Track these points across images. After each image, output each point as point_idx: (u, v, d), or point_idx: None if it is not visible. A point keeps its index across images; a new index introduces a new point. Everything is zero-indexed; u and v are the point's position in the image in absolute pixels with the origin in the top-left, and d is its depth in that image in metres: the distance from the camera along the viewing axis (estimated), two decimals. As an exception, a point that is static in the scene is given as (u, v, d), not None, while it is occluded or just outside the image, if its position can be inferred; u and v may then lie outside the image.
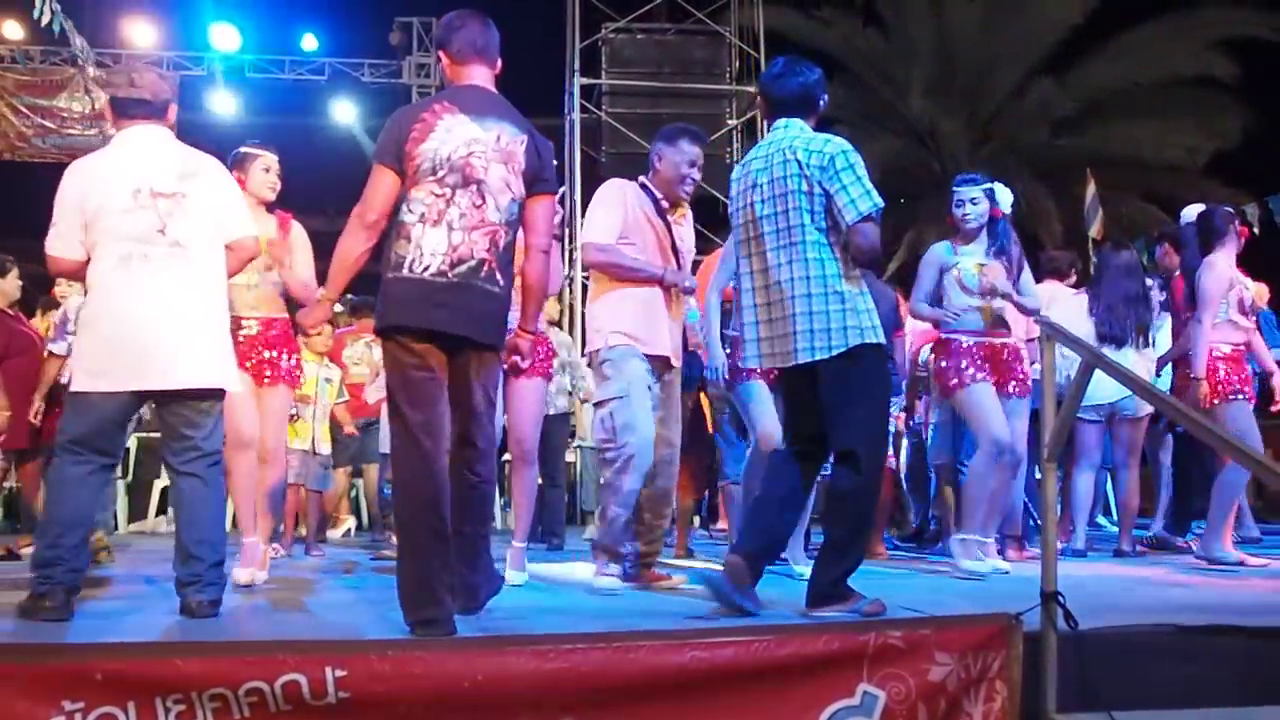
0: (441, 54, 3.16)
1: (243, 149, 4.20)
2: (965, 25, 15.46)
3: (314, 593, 4.05)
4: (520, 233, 3.09)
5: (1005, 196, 4.49)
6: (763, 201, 3.22)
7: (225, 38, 13.51)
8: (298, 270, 4.17)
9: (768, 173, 3.23)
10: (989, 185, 4.50)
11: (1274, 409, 5.45)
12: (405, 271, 2.89)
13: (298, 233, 4.24)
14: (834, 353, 3.11)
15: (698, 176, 4.12)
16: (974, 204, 4.48)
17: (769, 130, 3.40)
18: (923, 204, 15.11)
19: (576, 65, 12.60)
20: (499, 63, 3.18)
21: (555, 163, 3.24)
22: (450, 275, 2.88)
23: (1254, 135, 14.71)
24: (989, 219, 4.47)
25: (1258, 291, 4.92)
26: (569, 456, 9.56)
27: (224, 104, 13.91)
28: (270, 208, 4.21)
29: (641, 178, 4.13)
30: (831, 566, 3.12)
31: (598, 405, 4.00)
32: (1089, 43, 15.31)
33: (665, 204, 4.07)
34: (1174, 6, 14.44)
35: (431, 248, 2.89)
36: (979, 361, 4.44)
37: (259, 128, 12.12)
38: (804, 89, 3.33)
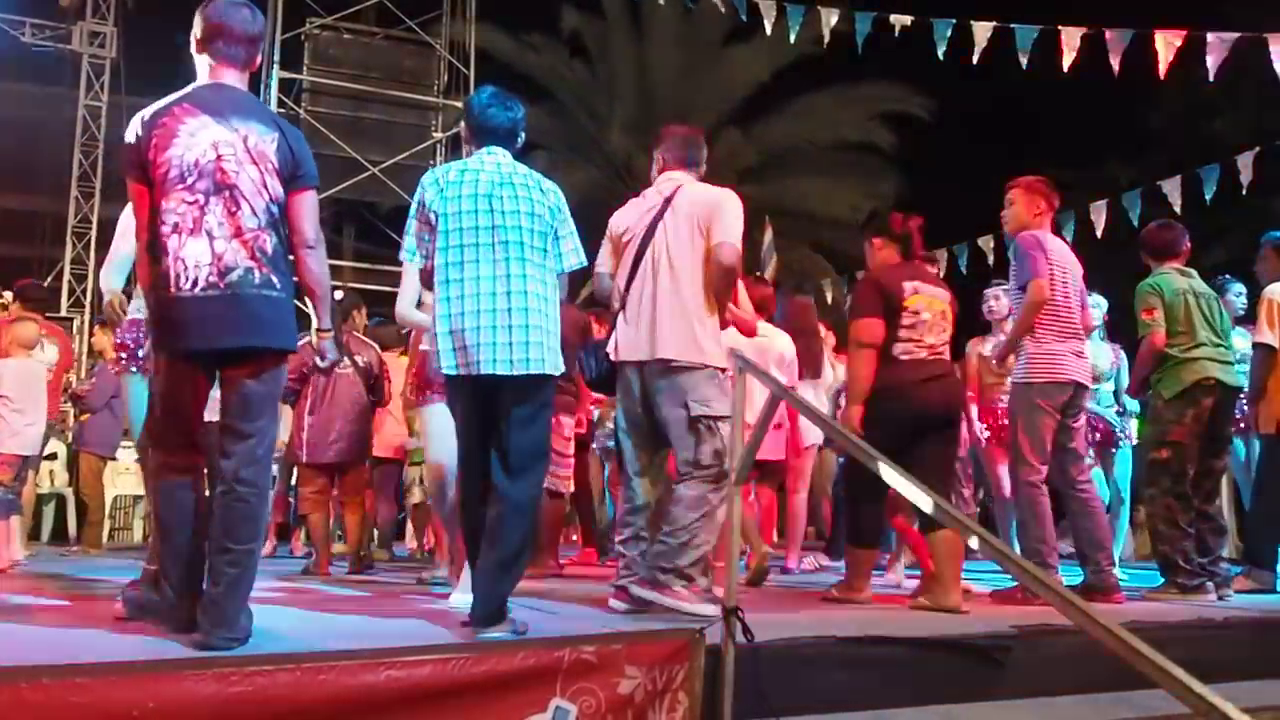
0: (195, 26, 2.94)
1: None
2: (665, 70, 16.30)
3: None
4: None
5: None
6: (504, 212, 3.21)
7: None
8: None
9: (511, 188, 3.25)
10: None
11: None
12: (173, 289, 2.75)
13: None
14: (550, 370, 3.21)
15: None
16: None
17: (479, 151, 3.37)
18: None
19: (276, 57, 12.03)
20: (257, 61, 3.01)
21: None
22: (222, 286, 2.76)
23: (904, 199, 16.64)
24: None
25: None
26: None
27: None
28: None
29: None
30: (500, 585, 3.12)
31: (716, 420, 3.61)
32: (773, 101, 16.65)
33: None
34: (843, 79, 16.00)
35: (195, 259, 2.75)
36: None
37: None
38: (512, 124, 3.41)
